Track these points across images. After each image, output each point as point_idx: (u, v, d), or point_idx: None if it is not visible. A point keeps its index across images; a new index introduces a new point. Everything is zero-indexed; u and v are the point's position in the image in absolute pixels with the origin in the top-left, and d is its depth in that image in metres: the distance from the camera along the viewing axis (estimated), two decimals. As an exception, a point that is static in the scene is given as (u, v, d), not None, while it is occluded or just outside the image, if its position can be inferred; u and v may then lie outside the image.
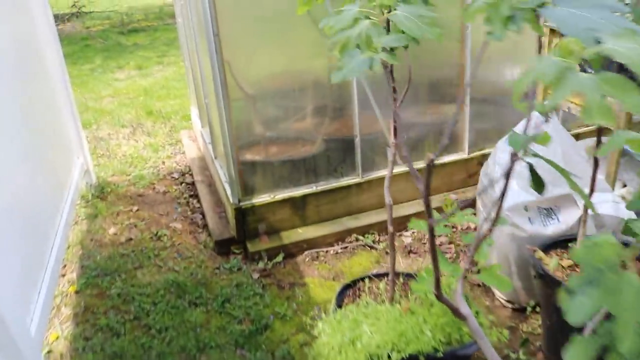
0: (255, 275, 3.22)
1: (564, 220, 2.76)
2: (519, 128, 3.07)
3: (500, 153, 2.90)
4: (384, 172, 3.63)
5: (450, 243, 3.50)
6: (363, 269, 3.31)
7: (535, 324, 2.79)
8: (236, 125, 3.17)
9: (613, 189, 2.95)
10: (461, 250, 3.38)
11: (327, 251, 3.48)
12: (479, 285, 3.09)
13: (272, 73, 3.23)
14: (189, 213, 3.97)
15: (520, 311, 2.95)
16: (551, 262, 2.54)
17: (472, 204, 3.82)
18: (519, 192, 2.75)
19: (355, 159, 3.52)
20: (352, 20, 1.75)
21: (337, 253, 3.47)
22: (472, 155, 3.86)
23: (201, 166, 4.59)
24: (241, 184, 3.32)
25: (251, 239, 3.43)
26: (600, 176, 2.87)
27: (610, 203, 2.76)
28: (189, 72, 5.01)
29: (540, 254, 2.59)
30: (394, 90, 1.99)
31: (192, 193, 4.28)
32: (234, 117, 3.15)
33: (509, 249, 2.80)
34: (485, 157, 3.86)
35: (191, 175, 4.55)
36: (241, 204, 3.35)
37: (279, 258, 3.37)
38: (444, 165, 3.78)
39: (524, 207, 2.76)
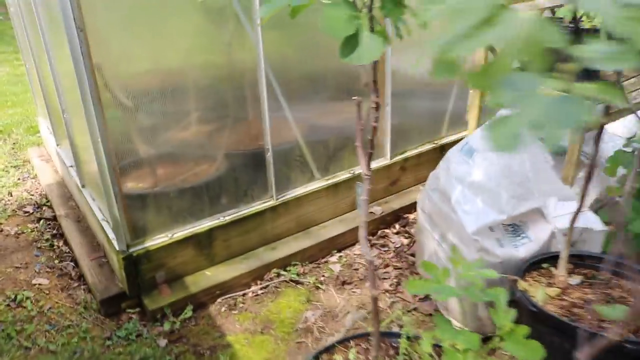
0: (162, 342, 2.52)
1: (535, 238, 2.43)
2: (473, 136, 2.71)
3: (455, 165, 2.50)
4: (300, 190, 3.09)
5: (386, 266, 3.07)
6: (294, 312, 2.76)
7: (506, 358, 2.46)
8: (114, 146, 2.45)
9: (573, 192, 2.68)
10: (401, 274, 2.98)
11: (244, 294, 2.88)
12: (431, 315, 2.71)
13: (157, 74, 2.51)
14: (56, 261, 3.11)
15: (484, 341, 2.60)
16: (538, 293, 2.18)
17: (396, 218, 3.43)
18: (485, 210, 2.37)
19: (267, 177, 2.94)
20: None
21: (257, 295, 2.89)
22: (394, 160, 3.44)
23: (62, 194, 3.70)
24: (129, 225, 2.59)
25: (148, 292, 2.72)
26: (563, 184, 2.59)
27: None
28: (32, 74, 4.04)
29: (522, 284, 2.23)
30: (375, 85, 1.48)
31: (55, 232, 3.39)
32: (110, 137, 2.42)
33: (476, 277, 2.41)
34: (407, 161, 3.48)
35: (51, 207, 3.65)
36: (131, 250, 2.62)
37: (188, 312, 2.70)
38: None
39: (489, 228, 2.39)
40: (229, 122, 2.72)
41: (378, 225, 3.33)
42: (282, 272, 2.97)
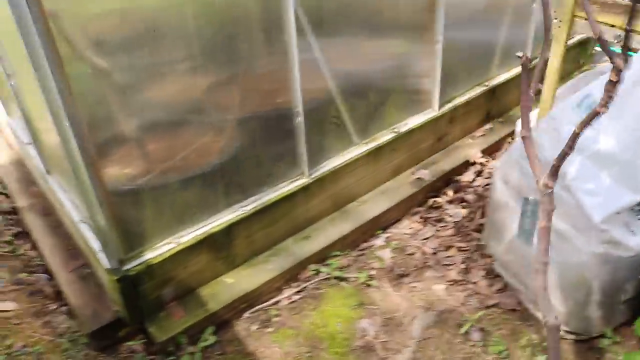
0: (182, 387, 1.94)
1: (674, 220, 1.87)
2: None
3: (570, 127, 1.86)
4: (337, 160, 2.41)
5: (447, 248, 2.49)
6: (346, 322, 2.19)
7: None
8: (85, 117, 1.71)
9: None
10: (468, 259, 2.41)
11: (277, 303, 2.28)
12: (514, 310, 2.17)
13: (136, 12, 1.76)
14: (24, 274, 2.41)
15: (584, 342, 2.10)
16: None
17: (446, 182, 2.83)
18: (616, 189, 1.78)
19: (296, 148, 2.26)
20: None
21: (293, 302, 2.29)
22: (442, 110, 2.80)
23: (23, 178, 2.94)
24: (119, 232, 1.92)
25: (154, 315, 2.06)
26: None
27: None
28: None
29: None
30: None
31: (17, 231, 2.69)
32: (78, 105, 1.68)
33: (596, 274, 1.85)
34: (455, 110, 2.83)
35: (6, 195, 2.94)
36: (127, 266, 1.94)
37: (209, 337, 2.09)
38: (409, 132, 2.68)
39: (617, 212, 1.81)
40: (240, 74, 1.99)
41: (427, 192, 2.73)
42: (321, 268, 2.37)
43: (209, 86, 1.96)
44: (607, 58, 3.93)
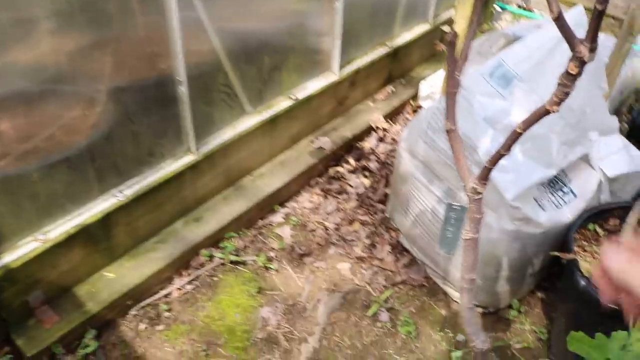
0: (58, 406, 1.71)
1: (580, 192, 1.84)
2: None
3: (482, 98, 1.74)
4: (228, 133, 2.19)
5: (350, 222, 2.38)
6: (245, 312, 2.03)
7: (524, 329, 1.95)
8: None
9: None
10: (373, 233, 2.31)
11: (168, 296, 2.07)
12: (422, 286, 2.11)
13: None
14: None
15: (492, 314, 2.09)
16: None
17: (348, 149, 2.68)
18: (529, 165, 1.70)
19: (181, 122, 2.01)
20: None
21: (186, 293, 2.09)
22: (343, 74, 2.63)
23: None
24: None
25: (21, 325, 1.77)
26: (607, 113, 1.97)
27: (621, 152, 1.92)
28: None
29: (585, 265, 1.65)
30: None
31: None
32: None
33: (505, 250, 1.80)
34: (357, 73, 2.68)
35: None
36: (-20, 272, 1.69)
37: (90, 343, 1.84)
38: (308, 98, 2.50)
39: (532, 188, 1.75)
40: (111, 35, 1.71)
41: (328, 162, 2.59)
42: (215, 253, 2.17)
43: (74, 50, 1.65)
44: (505, 17, 3.85)
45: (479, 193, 0.93)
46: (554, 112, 0.73)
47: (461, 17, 2.14)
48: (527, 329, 2.00)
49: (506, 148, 0.84)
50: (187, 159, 2.06)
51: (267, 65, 2.22)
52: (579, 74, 0.71)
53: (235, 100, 2.16)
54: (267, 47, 2.19)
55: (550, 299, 2.11)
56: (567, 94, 0.71)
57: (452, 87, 0.92)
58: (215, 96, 2.08)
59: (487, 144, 1.67)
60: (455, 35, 0.89)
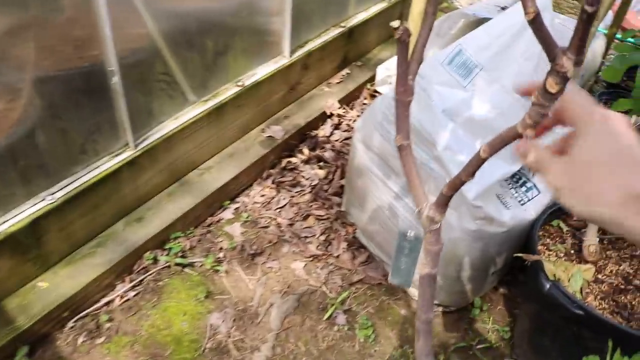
0: None
1: (544, 187, 1.76)
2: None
3: (440, 88, 1.62)
4: (170, 125, 2.02)
5: (305, 218, 2.25)
6: (192, 319, 1.90)
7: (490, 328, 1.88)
8: None
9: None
10: (329, 229, 2.20)
11: (109, 304, 1.92)
12: (380, 284, 2.01)
13: None
14: None
15: (453, 313, 2.01)
16: (573, 281, 1.56)
17: (301, 138, 2.54)
18: (493, 162, 1.61)
19: (116, 115, 1.83)
20: None
21: (128, 301, 1.94)
22: (295, 57, 2.48)
23: None
24: None
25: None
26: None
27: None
28: None
29: (549, 267, 1.58)
30: None
31: None
32: None
33: (467, 251, 1.72)
34: (310, 56, 2.54)
35: None
36: None
37: (20, 361, 1.72)
38: (257, 84, 2.35)
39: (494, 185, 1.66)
40: (33, 18, 1.53)
41: (280, 152, 2.45)
42: (160, 255, 2.03)
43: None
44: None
45: (436, 222, 0.81)
46: (527, 136, 0.61)
47: (416, 9, 2.02)
48: (489, 327, 1.95)
49: (468, 174, 0.73)
50: (125, 155, 1.90)
51: (211, 50, 2.06)
52: (560, 92, 0.59)
53: (177, 89, 2.00)
54: (210, 30, 2.02)
55: (512, 294, 2.06)
56: (543, 116, 0.60)
57: (403, 95, 0.79)
58: (154, 86, 1.91)
59: (446, 139, 1.57)
60: (407, 32, 0.75)
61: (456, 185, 0.75)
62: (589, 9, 0.50)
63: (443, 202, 0.79)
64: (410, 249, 0.94)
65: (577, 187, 0.59)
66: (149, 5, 1.75)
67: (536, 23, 0.56)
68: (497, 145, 0.68)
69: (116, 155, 1.89)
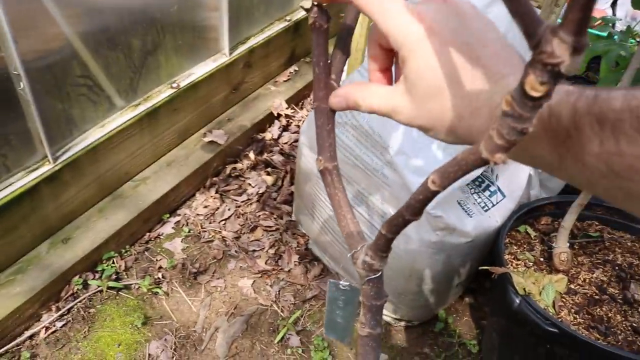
0: None
1: (509, 191, 1.64)
2: None
3: None
4: (95, 134, 1.83)
5: (252, 230, 2.09)
6: (128, 349, 1.71)
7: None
8: None
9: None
10: (279, 241, 2.04)
11: (33, 338, 1.73)
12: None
13: None
14: None
15: (416, 327, 1.89)
16: (545, 294, 1.44)
17: (247, 141, 2.37)
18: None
19: (27, 125, 1.65)
20: None
21: (54, 333, 1.75)
22: (235, 54, 2.31)
23: None
24: None
25: None
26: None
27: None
28: None
29: (518, 279, 1.46)
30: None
31: None
32: None
33: (428, 263, 1.59)
34: (252, 53, 2.38)
35: None
36: None
37: None
38: (194, 85, 2.17)
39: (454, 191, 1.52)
40: None
41: (224, 158, 2.28)
42: (91, 279, 1.85)
43: None
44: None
45: (374, 270, 0.64)
46: (497, 163, 0.44)
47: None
48: (456, 341, 1.82)
49: (413, 212, 0.54)
50: (43, 170, 1.70)
51: (138, 49, 1.88)
52: (547, 95, 0.34)
53: (101, 94, 1.82)
54: (135, 27, 1.84)
55: (479, 302, 1.94)
56: (522, 134, 0.37)
57: (324, 101, 0.60)
58: (72, 90, 1.72)
59: (399, 141, 1.44)
60: (323, 15, 0.58)
61: (398, 224, 0.58)
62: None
63: (384, 245, 0.63)
64: (345, 302, 0.79)
65: (438, 123, 0.44)
66: (60, 3, 1.57)
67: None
68: (451, 175, 0.49)
69: (32, 171, 1.70)
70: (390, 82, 0.53)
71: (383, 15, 0.44)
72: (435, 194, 0.51)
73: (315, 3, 0.55)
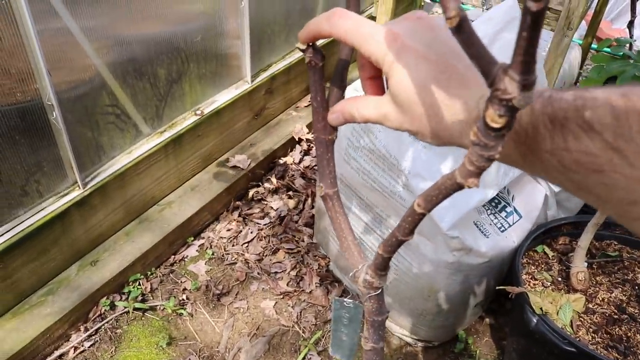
0: None
1: (525, 211, 1.69)
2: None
3: None
4: (123, 160, 1.94)
5: (274, 252, 2.17)
6: (152, 372, 1.81)
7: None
8: None
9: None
10: (300, 263, 2.11)
11: (63, 356, 1.80)
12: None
13: None
14: None
15: (436, 348, 1.92)
16: (562, 313, 1.48)
17: (269, 166, 2.46)
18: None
19: (59, 152, 1.76)
20: None
21: (82, 352, 1.83)
22: (257, 81, 2.42)
23: None
24: None
25: None
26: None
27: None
28: None
29: (535, 299, 1.50)
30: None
31: None
32: None
33: (445, 284, 1.63)
34: (274, 80, 2.48)
35: None
36: None
37: None
38: (217, 112, 2.27)
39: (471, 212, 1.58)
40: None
41: (247, 182, 2.37)
42: (118, 300, 1.94)
43: None
44: (437, 8, 3.73)
45: (375, 288, 0.70)
46: (469, 187, 0.50)
47: (383, 13, 1.97)
48: (474, 361, 1.86)
49: (405, 232, 0.61)
50: (73, 195, 1.81)
51: (164, 78, 1.99)
52: (507, 126, 0.41)
53: (128, 122, 1.92)
54: (160, 58, 1.95)
55: (499, 323, 1.97)
56: (489, 160, 0.43)
57: (322, 132, 0.67)
58: (101, 119, 1.83)
59: (411, 163, 1.50)
60: (317, 55, 0.65)
61: (393, 244, 0.64)
62: (533, 6, 0.34)
63: (382, 264, 0.69)
64: (350, 319, 0.84)
65: (422, 127, 0.50)
66: (91, 36, 1.68)
67: (463, 32, 0.42)
68: (433, 199, 0.55)
69: (63, 196, 1.80)
70: (380, 89, 0.59)
71: (363, 41, 0.50)
72: (422, 215, 0.57)
73: (310, 44, 0.63)
